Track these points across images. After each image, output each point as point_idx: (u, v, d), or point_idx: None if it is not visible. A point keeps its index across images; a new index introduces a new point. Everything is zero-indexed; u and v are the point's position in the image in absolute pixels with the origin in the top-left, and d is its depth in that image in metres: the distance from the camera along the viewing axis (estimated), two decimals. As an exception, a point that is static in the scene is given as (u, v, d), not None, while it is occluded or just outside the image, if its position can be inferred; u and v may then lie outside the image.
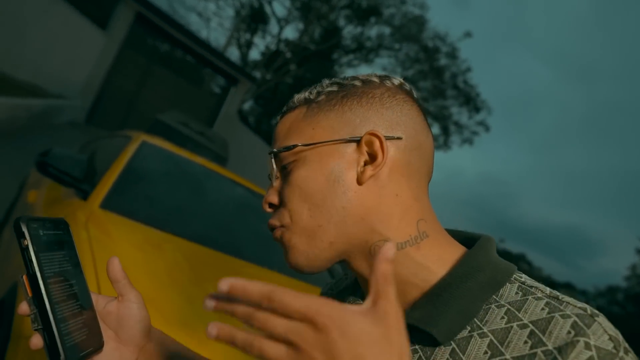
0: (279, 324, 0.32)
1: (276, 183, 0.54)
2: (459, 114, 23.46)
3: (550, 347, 0.38)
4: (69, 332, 0.44)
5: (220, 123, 13.66)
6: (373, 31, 22.48)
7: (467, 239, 0.53)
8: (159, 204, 1.85)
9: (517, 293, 0.44)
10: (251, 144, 13.61)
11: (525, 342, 0.40)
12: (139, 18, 11.78)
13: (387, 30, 22.20)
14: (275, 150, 0.52)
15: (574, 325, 0.38)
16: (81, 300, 0.48)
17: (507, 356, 0.40)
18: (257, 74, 20.53)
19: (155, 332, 0.57)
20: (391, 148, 0.49)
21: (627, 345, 0.39)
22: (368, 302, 0.33)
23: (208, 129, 9.37)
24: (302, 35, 21.10)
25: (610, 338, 0.38)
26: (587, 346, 0.37)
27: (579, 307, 0.41)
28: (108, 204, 1.61)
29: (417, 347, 0.45)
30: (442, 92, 22.88)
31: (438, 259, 0.48)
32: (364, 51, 23.12)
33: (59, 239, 0.48)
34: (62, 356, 0.42)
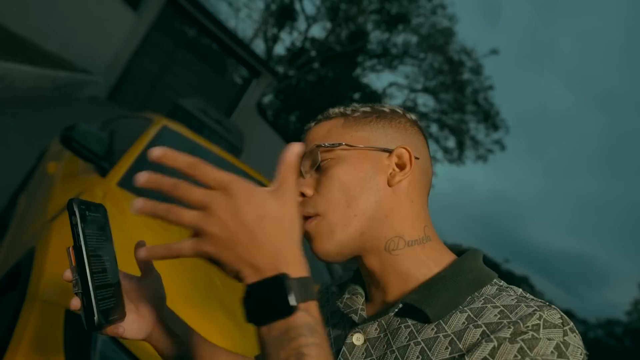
0: (197, 191, 0.39)
1: (308, 176, 0.60)
2: (476, 129, 23.29)
3: (514, 319, 0.47)
4: (101, 299, 0.50)
5: (239, 114, 13.77)
6: (400, 38, 22.44)
7: (459, 252, 0.61)
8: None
9: (494, 291, 0.53)
10: (267, 138, 13.67)
11: (496, 315, 0.49)
12: (170, 2, 11.92)
13: (414, 38, 22.14)
14: (322, 144, 0.59)
15: (534, 309, 0.47)
16: (110, 274, 0.54)
17: (479, 322, 0.49)
18: (280, 69, 20.61)
19: (168, 311, 0.63)
20: (415, 163, 0.59)
21: (575, 329, 0.47)
22: (273, 184, 0.41)
23: (226, 119, 9.45)
24: (329, 35, 21.14)
25: (561, 317, 0.47)
26: (540, 317, 0.46)
27: (541, 301, 0.50)
28: (125, 183, 1.67)
29: (409, 322, 0.53)
30: (462, 106, 22.75)
31: (436, 259, 0.57)
32: (388, 57, 23.08)
33: (99, 220, 0.55)
34: (96, 317, 0.49)
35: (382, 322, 0.56)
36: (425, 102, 24.36)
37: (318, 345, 0.38)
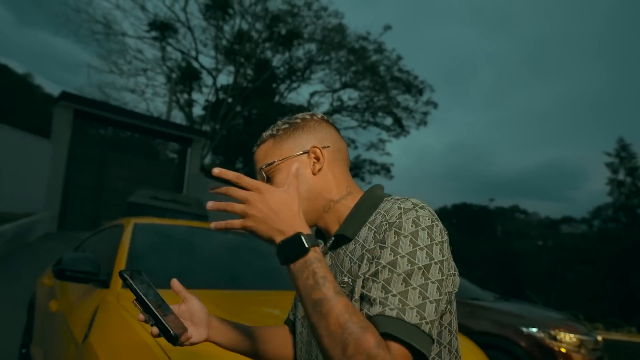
0: (241, 192, 0.69)
1: None
2: (405, 100, 24.17)
3: (387, 216, 0.76)
4: (168, 322, 0.74)
5: (189, 184, 13.81)
6: (300, 52, 23.13)
7: None
8: (169, 269, 2.08)
9: (384, 203, 0.81)
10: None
11: (380, 219, 0.77)
12: (77, 115, 11.89)
13: (312, 46, 22.88)
14: (263, 166, 0.86)
15: (399, 206, 0.76)
16: (164, 306, 0.79)
17: (373, 227, 0.77)
18: (207, 128, 20.76)
19: (214, 317, 0.90)
20: (325, 152, 0.86)
21: (425, 207, 0.75)
22: (284, 186, 0.71)
23: (179, 195, 9.53)
24: (237, 78, 21.53)
25: (412, 204, 0.76)
26: (399, 207, 0.75)
27: (405, 198, 0.79)
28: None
29: (343, 247, 0.82)
30: (383, 85, 23.58)
31: (354, 203, 0.85)
32: (298, 73, 23.71)
33: (142, 278, 0.80)
34: (172, 332, 0.73)
35: (331, 253, 0.86)
36: (350, 95, 25.08)
37: (323, 267, 0.66)
